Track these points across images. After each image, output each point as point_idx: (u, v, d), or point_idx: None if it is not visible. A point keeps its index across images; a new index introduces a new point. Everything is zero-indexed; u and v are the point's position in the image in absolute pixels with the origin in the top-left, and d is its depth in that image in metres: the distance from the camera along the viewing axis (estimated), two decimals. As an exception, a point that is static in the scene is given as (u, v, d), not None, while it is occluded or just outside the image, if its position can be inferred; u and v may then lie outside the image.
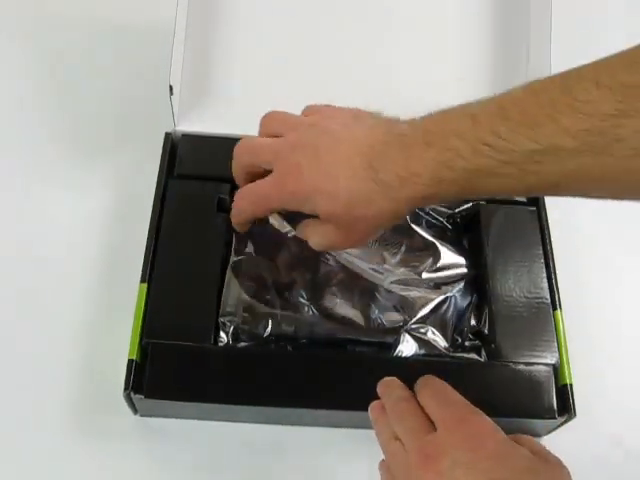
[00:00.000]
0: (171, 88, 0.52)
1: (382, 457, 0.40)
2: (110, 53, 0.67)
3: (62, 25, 0.68)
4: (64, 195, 0.58)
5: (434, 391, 0.40)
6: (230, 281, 0.50)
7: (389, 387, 0.42)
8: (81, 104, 0.63)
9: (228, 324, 0.49)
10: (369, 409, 0.42)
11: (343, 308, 0.51)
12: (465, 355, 0.51)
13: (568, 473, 0.37)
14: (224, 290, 0.50)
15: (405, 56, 0.60)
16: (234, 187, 0.52)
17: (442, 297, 0.52)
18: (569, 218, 0.59)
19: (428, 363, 0.49)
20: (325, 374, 0.48)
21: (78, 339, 0.52)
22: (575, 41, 0.65)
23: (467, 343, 0.51)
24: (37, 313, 0.53)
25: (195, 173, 0.53)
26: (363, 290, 0.52)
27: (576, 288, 0.55)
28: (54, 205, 0.58)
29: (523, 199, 0.56)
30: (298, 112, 0.48)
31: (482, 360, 0.50)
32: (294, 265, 0.52)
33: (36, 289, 0.54)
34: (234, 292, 0.50)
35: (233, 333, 0.49)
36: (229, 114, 0.56)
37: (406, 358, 0.49)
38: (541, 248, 0.53)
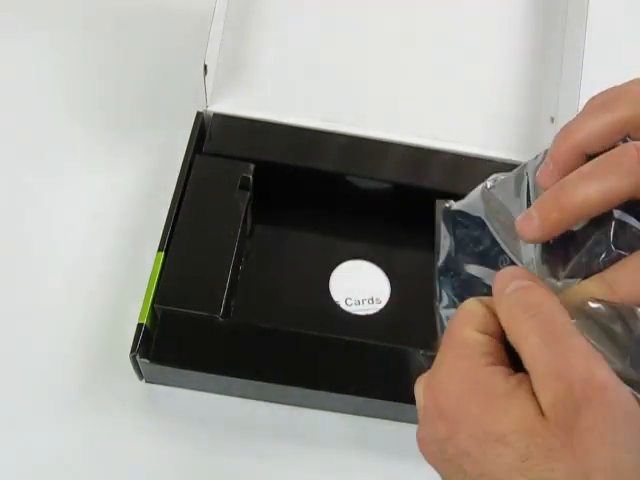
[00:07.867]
0: (205, 67, 0.53)
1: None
2: (148, 33, 0.67)
3: (96, 5, 0.68)
4: (95, 167, 0.60)
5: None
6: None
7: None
8: (116, 84, 0.64)
9: None
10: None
11: None
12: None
13: None
14: None
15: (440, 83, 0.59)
16: (258, 167, 0.53)
17: None
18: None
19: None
20: (334, 358, 0.48)
21: (95, 304, 0.53)
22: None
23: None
24: (58, 278, 0.54)
25: (222, 152, 0.54)
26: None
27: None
28: (83, 179, 0.59)
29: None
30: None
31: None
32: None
33: (60, 257, 0.55)
34: None
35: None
36: (261, 99, 0.57)
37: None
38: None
